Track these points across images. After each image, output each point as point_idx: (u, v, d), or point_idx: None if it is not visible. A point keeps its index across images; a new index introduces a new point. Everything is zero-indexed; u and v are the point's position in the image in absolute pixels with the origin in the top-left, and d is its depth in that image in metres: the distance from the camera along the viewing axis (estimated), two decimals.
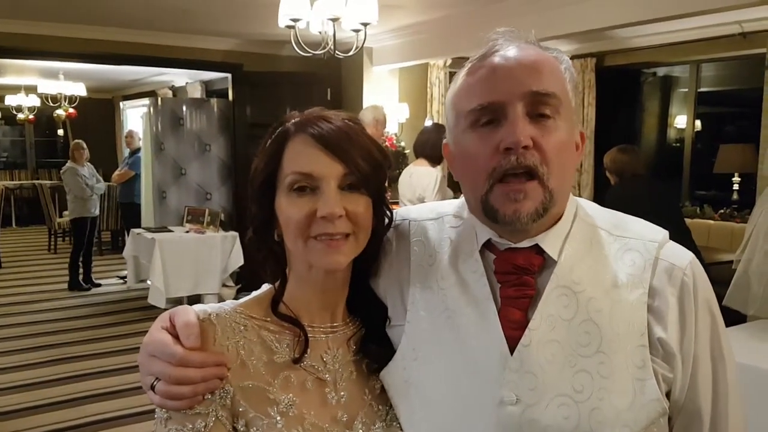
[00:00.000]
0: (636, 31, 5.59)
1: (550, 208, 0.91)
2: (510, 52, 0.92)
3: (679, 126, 6.81)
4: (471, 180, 0.94)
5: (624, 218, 1.00)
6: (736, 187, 6.00)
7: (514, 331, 0.91)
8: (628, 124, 7.06)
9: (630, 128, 7.06)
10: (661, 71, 7.12)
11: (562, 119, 0.91)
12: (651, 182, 4.15)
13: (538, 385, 0.89)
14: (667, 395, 0.91)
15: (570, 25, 4.20)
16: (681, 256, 0.95)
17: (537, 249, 0.94)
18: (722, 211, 5.93)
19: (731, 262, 3.26)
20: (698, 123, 6.65)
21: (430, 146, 4.16)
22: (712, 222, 5.82)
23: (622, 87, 6.90)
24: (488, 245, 0.98)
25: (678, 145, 6.77)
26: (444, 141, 1.03)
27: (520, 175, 0.88)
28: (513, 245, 0.95)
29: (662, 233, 0.97)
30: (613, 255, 0.94)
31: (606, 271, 0.93)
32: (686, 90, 6.72)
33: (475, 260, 0.98)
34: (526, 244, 0.94)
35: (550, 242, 0.94)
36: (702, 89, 6.60)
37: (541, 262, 0.94)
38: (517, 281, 0.93)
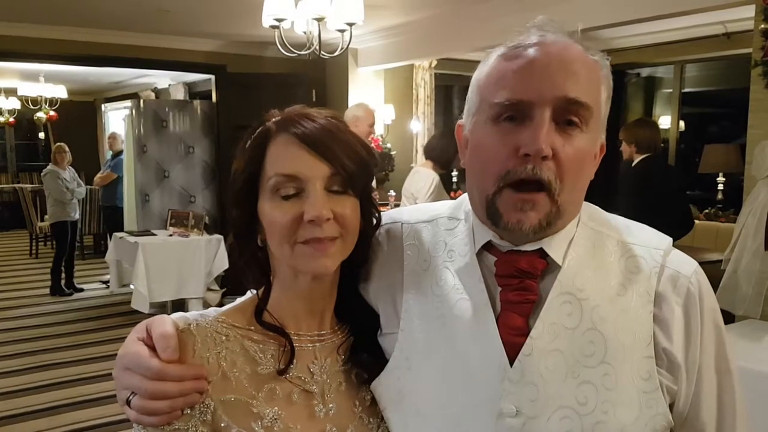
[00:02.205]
0: (620, 31, 5.61)
1: (555, 221, 0.87)
2: (552, 47, 0.85)
3: (663, 126, 6.84)
4: (480, 175, 0.89)
5: (628, 223, 0.96)
6: (720, 187, 6.04)
7: (514, 338, 0.87)
8: (611, 125, 7.03)
9: (614, 129, 7.07)
10: (645, 72, 7.16)
11: (589, 130, 0.86)
12: (668, 166, 4.33)
13: (540, 397, 0.84)
14: (670, 407, 0.87)
15: (567, 26, 4.15)
16: (686, 264, 0.91)
17: (540, 252, 0.90)
18: (707, 210, 5.96)
19: (717, 261, 3.26)
20: (682, 123, 6.68)
21: (438, 151, 4.22)
22: (697, 222, 5.83)
23: None
24: (488, 247, 0.93)
25: (663, 145, 6.79)
26: (459, 122, 0.97)
27: (531, 185, 0.84)
28: (515, 248, 0.90)
29: (667, 240, 0.93)
30: (617, 261, 0.90)
31: (610, 278, 0.89)
32: (670, 90, 6.75)
33: (472, 263, 0.93)
34: (529, 247, 0.89)
35: (555, 246, 0.90)
36: (686, 90, 6.63)
37: (544, 266, 0.90)
38: (519, 285, 0.89)
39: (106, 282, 7.14)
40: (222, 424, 0.86)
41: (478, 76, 0.92)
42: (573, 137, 0.84)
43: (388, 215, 1.06)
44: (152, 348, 0.85)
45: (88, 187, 8.19)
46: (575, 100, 0.83)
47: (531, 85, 0.83)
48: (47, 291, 7.11)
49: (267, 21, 3.84)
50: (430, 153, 4.31)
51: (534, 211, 0.84)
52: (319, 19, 3.89)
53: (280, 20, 3.83)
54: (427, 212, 1.04)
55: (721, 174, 6.02)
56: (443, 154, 4.21)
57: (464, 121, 0.96)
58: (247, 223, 0.95)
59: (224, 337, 0.91)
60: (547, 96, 0.83)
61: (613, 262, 0.90)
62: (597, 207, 0.98)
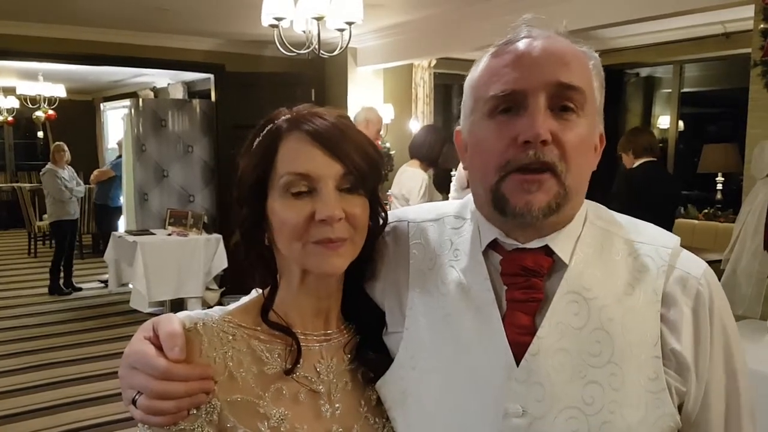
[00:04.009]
0: (619, 31, 5.61)
1: (564, 205, 0.86)
2: (538, 39, 0.87)
3: (662, 126, 6.85)
4: (482, 170, 0.89)
5: (635, 222, 0.96)
6: (719, 186, 6.04)
7: (520, 337, 0.87)
8: (611, 125, 7.05)
9: (613, 129, 7.09)
10: (645, 71, 7.17)
11: (585, 116, 0.87)
12: (666, 172, 4.39)
13: (546, 397, 0.84)
14: (679, 409, 0.87)
15: (554, 24, 4.16)
16: (696, 264, 0.91)
17: (546, 250, 0.89)
18: (706, 210, 5.96)
19: (716, 261, 3.27)
20: (681, 123, 6.69)
21: (425, 149, 4.17)
22: (696, 222, 5.85)
23: (605, 87, 6.90)
24: (494, 246, 0.93)
25: (661, 145, 6.80)
26: (457, 128, 0.98)
27: (535, 170, 0.84)
28: (521, 245, 0.90)
29: (675, 239, 0.93)
30: (625, 260, 0.90)
31: (617, 278, 0.89)
32: (669, 90, 6.76)
33: (478, 262, 0.93)
34: (535, 244, 0.89)
35: (560, 244, 0.89)
36: (685, 89, 6.64)
37: (550, 264, 0.89)
38: (525, 284, 0.88)
39: (104, 281, 7.12)
40: (228, 425, 0.86)
41: (470, 78, 0.93)
42: (570, 122, 0.85)
43: (393, 214, 1.06)
44: (159, 347, 0.84)
45: (87, 186, 8.19)
46: (568, 85, 0.85)
47: (523, 74, 0.85)
48: (46, 290, 7.10)
49: (266, 20, 3.84)
50: (417, 152, 4.23)
51: (541, 192, 0.84)
52: (319, 18, 3.88)
53: (279, 19, 3.82)
54: (433, 211, 1.04)
55: (720, 174, 6.02)
56: (430, 151, 4.16)
57: (461, 126, 0.96)
58: (255, 222, 0.94)
59: (231, 337, 0.91)
60: (540, 83, 0.84)
61: (621, 261, 0.90)
62: (603, 206, 0.98)
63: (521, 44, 0.87)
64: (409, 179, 4.20)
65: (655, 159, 4.34)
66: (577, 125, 0.86)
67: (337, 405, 0.94)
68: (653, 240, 0.92)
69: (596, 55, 0.92)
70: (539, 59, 0.85)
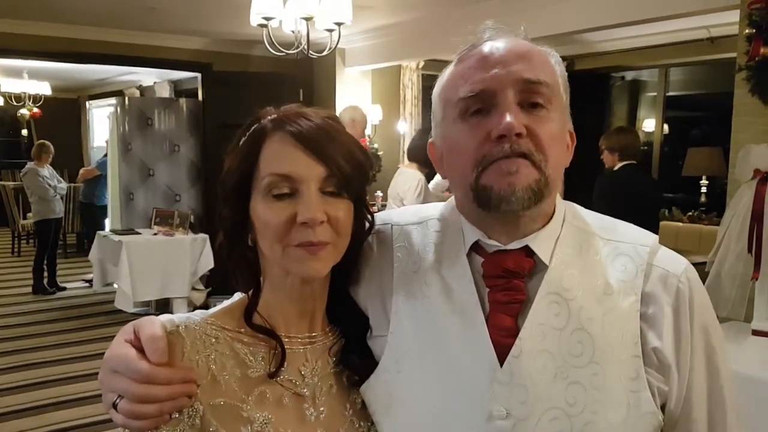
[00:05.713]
0: (605, 35, 5.65)
1: (544, 194, 0.86)
2: (500, 41, 0.90)
3: (647, 129, 6.90)
4: (460, 170, 0.89)
5: (613, 222, 0.97)
6: (704, 189, 6.10)
7: (503, 339, 0.87)
8: (596, 128, 7.13)
9: (598, 132, 7.13)
10: (630, 75, 7.22)
11: (555, 110, 0.88)
12: (647, 175, 4.40)
13: (529, 399, 0.84)
14: (662, 408, 0.87)
15: (541, 28, 4.22)
16: (676, 262, 0.91)
17: (527, 251, 0.90)
18: (690, 213, 6.02)
19: (701, 263, 3.29)
20: (666, 127, 6.74)
21: (419, 151, 4.18)
22: (680, 224, 5.90)
23: (590, 90, 6.96)
24: (476, 248, 0.93)
25: (646, 148, 6.86)
26: (429, 140, 0.98)
27: (514, 156, 0.84)
28: (502, 247, 0.90)
29: (653, 237, 0.93)
30: (604, 260, 0.90)
31: (597, 277, 0.89)
32: (655, 94, 6.81)
33: (461, 265, 0.93)
34: (516, 245, 0.90)
35: (540, 244, 0.90)
36: (670, 93, 6.69)
37: (531, 265, 0.90)
38: (507, 285, 0.89)
39: (89, 281, 7.07)
40: (211, 429, 0.85)
41: (437, 87, 0.96)
42: (541, 117, 0.87)
43: (377, 217, 1.05)
44: (140, 350, 0.83)
45: (71, 184, 8.13)
46: (534, 80, 0.86)
47: (490, 74, 0.86)
48: (29, 290, 7.03)
49: (255, 20, 3.83)
50: (415, 155, 4.24)
51: (522, 175, 0.84)
52: (308, 19, 3.89)
53: (268, 19, 3.82)
54: (417, 214, 1.03)
55: (704, 177, 6.08)
56: (424, 152, 4.17)
57: (433, 137, 0.97)
58: (238, 223, 0.93)
59: (214, 340, 0.90)
60: (507, 80, 0.86)
61: (600, 261, 0.90)
62: (580, 206, 0.99)
63: (485, 47, 0.89)
64: (404, 180, 4.21)
65: (635, 162, 4.35)
66: (548, 119, 0.87)
67: (321, 409, 0.93)
68: (632, 239, 0.92)
69: (555, 53, 0.94)
70: (504, 58, 0.87)
